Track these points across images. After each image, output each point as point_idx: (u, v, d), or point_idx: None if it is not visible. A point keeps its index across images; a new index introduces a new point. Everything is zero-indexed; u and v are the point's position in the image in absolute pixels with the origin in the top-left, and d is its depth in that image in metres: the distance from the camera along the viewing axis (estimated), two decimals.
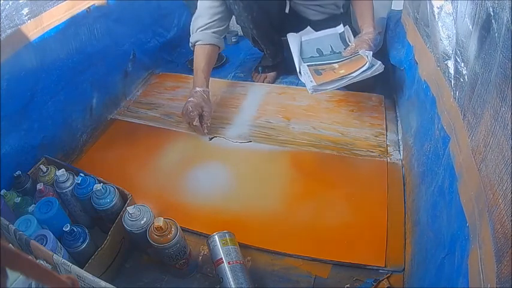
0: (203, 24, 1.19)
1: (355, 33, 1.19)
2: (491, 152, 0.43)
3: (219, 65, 1.52)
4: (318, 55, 1.19)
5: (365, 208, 0.90)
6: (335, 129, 1.15)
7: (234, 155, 1.08)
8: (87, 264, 0.70)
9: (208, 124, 1.14)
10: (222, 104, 1.30)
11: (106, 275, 0.75)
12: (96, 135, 1.21)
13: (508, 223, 0.36)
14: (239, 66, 1.55)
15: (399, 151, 1.06)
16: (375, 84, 1.25)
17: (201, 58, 1.19)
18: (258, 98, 1.32)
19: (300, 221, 0.88)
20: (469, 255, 0.45)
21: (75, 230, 0.73)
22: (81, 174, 0.81)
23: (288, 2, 1.26)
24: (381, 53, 1.30)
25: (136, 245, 0.83)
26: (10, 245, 0.61)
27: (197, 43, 1.20)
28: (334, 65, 1.13)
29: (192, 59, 1.23)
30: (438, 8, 0.73)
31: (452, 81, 0.64)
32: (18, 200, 0.80)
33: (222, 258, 0.73)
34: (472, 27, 0.54)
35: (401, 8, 1.18)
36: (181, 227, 0.75)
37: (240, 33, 1.54)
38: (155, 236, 0.71)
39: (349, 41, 1.18)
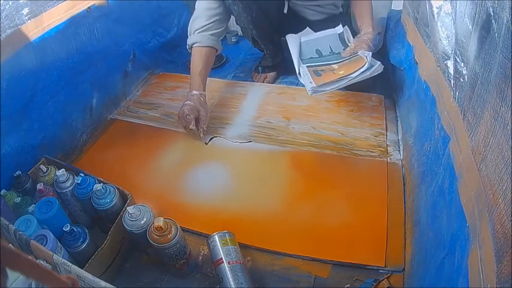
0: (201, 26, 1.19)
1: (355, 33, 1.19)
2: (491, 152, 0.43)
3: (219, 65, 1.52)
4: (317, 56, 1.19)
5: (365, 208, 0.90)
6: (335, 129, 1.15)
7: (234, 155, 1.08)
8: (87, 264, 0.70)
9: (205, 128, 1.12)
10: (222, 104, 1.30)
11: (106, 275, 0.75)
12: (96, 135, 1.21)
13: (508, 223, 0.36)
14: (239, 66, 1.56)
15: (399, 151, 1.06)
16: (375, 84, 1.25)
17: (198, 60, 1.18)
18: (258, 98, 1.32)
19: (300, 221, 0.88)
20: (469, 255, 0.45)
21: (75, 230, 0.73)
22: (81, 174, 0.81)
23: (286, 2, 1.25)
24: (380, 53, 1.30)
25: (136, 245, 0.83)
26: (10, 245, 0.61)
27: (194, 45, 1.19)
28: (333, 65, 1.13)
29: None
30: (438, 8, 0.73)
31: (452, 81, 0.64)
32: (18, 200, 0.80)
33: (222, 258, 0.73)
34: (472, 27, 0.54)
35: (401, 8, 1.18)
36: (181, 227, 0.75)
37: (240, 33, 1.54)
38: (155, 236, 0.71)
39: (349, 42, 1.18)
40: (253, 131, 1.16)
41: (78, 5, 1.07)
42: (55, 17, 1.00)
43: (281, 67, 1.43)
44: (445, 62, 0.69)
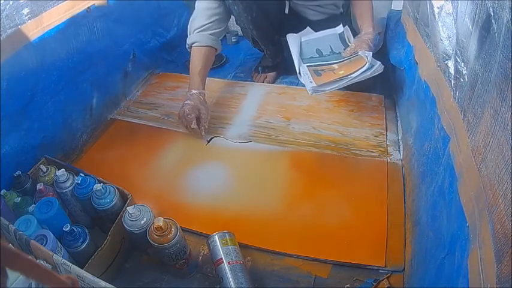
0: (200, 26, 1.18)
1: (355, 33, 1.19)
2: (491, 152, 0.43)
3: (219, 65, 1.52)
4: (317, 56, 1.19)
5: (365, 208, 0.90)
6: (335, 129, 1.15)
7: (234, 155, 1.08)
8: (87, 264, 0.70)
9: (206, 127, 1.12)
10: (222, 104, 1.30)
11: (106, 275, 0.75)
12: (96, 135, 1.21)
13: (508, 223, 0.36)
14: (239, 66, 1.55)
15: (399, 151, 1.06)
16: (375, 84, 1.25)
17: (197, 60, 1.18)
18: (258, 98, 1.32)
19: (299, 221, 0.88)
20: (469, 255, 0.45)
21: (75, 230, 0.73)
22: (81, 174, 0.81)
23: (287, 2, 1.25)
24: (381, 53, 1.30)
25: (136, 245, 0.83)
26: (10, 245, 0.61)
27: (194, 45, 1.19)
28: (333, 65, 1.13)
29: None
30: (438, 8, 0.73)
31: (452, 81, 0.64)
32: (18, 200, 0.80)
33: (222, 258, 0.73)
34: (472, 27, 0.54)
35: (401, 8, 1.19)
36: (181, 227, 0.75)
37: (240, 33, 1.54)
38: (155, 236, 0.71)
39: (349, 42, 1.18)
40: (253, 131, 1.16)
41: (78, 5, 1.07)
42: (55, 17, 1.00)
43: (281, 67, 1.43)
44: (446, 62, 0.69)
